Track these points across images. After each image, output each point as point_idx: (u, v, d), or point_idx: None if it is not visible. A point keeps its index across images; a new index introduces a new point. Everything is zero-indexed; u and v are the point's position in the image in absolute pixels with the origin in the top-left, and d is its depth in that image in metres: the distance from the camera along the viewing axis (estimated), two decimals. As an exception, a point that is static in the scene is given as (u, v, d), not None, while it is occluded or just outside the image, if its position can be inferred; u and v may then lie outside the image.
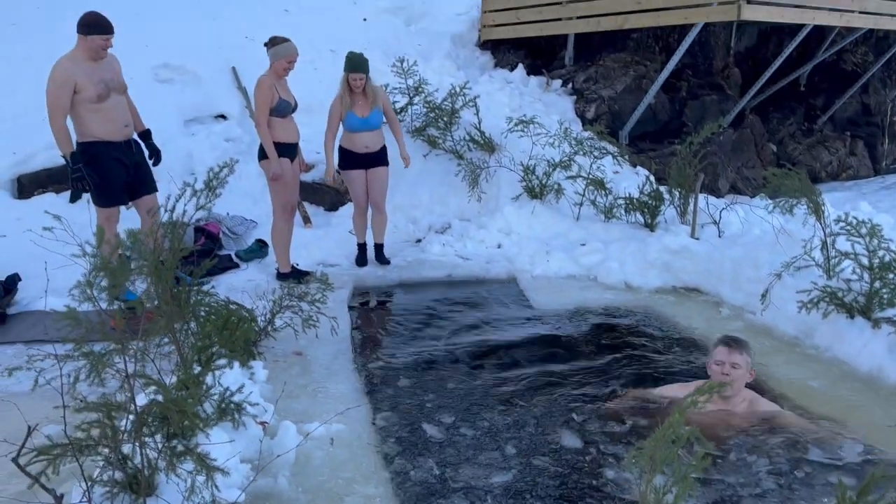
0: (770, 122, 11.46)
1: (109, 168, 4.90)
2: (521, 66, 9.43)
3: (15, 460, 1.69)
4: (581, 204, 6.59)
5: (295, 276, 5.59)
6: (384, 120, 6.11)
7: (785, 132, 11.62)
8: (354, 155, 5.97)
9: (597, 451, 3.16)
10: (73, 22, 8.70)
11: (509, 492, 2.86)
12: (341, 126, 5.98)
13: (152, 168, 5.31)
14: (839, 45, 10.93)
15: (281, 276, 5.73)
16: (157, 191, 5.24)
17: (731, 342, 3.45)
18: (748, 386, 3.47)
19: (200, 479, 2.45)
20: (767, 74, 9.78)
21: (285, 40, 5.46)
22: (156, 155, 5.35)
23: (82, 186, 4.84)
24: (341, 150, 6.00)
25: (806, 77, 11.89)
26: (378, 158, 6.03)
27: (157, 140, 5.46)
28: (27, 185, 6.92)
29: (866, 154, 12.12)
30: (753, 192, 8.81)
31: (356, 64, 5.71)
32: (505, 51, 9.93)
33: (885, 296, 4.16)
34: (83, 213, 6.67)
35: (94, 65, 4.81)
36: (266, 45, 5.51)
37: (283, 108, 5.43)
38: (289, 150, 5.56)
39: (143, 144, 5.25)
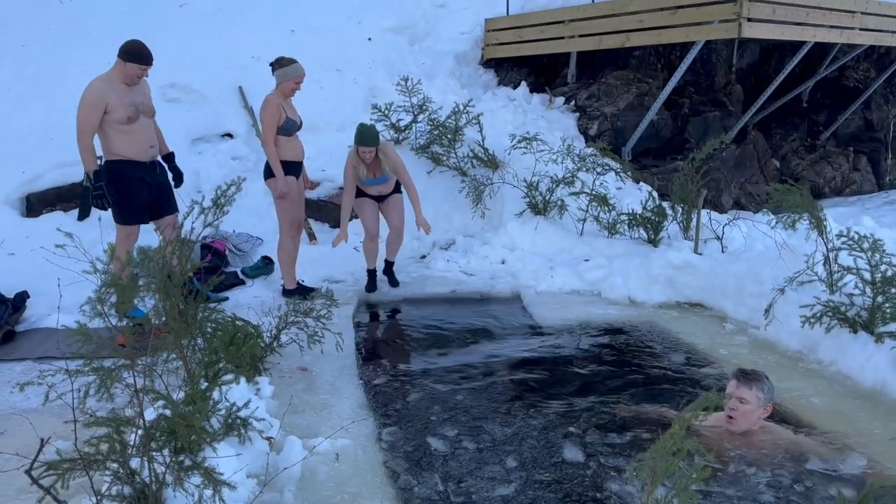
0: (773, 138, 11.51)
1: (133, 187, 5.06)
2: (523, 83, 9.52)
3: (28, 472, 1.72)
4: (584, 220, 6.63)
5: (300, 292, 5.64)
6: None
7: (788, 148, 11.66)
8: (368, 195, 6.02)
9: (597, 464, 3.18)
10: (81, 43, 8.85)
11: (512, 505, 2.88)
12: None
13: (174, 189, 5.49)
14: (841, 61, 11.00)
15: (287, 293, 5.77)
16: (178, 211, 5.40)
17: (742, 375, 3.29)
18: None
19: (208, 493, 2.47)
20: (769, 91, 9.85)
21: (293, 61, 5.54)
22: (178, 177, 5.52)
23: (102, 204, 5.01)
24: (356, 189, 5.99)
25: (808, 93, 11.96)
26: (391, 192, 6.05)
27: (164, 159, 5.56)
28: (36, 204, 7.01)
29: (870, 169, 12.16)
30: (757, 208, 8.84)
31: (365, 139, 5.62)
32: (508, 69, 10.02)
33: (888, 310, 4.18)
34: (92, 231, 6.77)
35: (127, 89, 5.01)
36: (272, 65, 5.59)
37: (290, 128, 5.51)
38: (294, 167, 5.63)
39: (166, 167, 5.43)
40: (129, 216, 5.14)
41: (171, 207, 5.39)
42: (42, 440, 1.80)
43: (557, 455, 3.28)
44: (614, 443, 3.38)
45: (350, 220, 5.99)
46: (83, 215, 6.89)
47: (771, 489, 2.93)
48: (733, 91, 10.65)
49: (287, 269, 5.80)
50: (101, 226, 6.82)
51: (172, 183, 5.46)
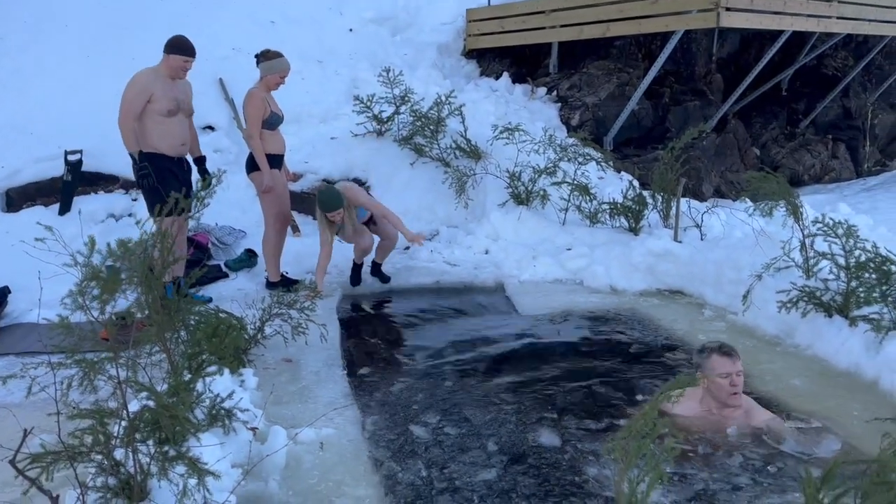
0: (753, 126, 11.61)
1: (165, 179, 5.13)
2: (506, 74, 9.54)
3: (12, 462, 1.74)
4: (566, 209, 6.68)
5: (284, 284, 5.65)
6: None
7: (768, 136, 11.78)
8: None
9: (574, 449, 3.24)
10: (58, 36, 8.76)
11: (494, 491, 2.93)
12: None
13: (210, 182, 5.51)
14: (819, 49, 11.11)
15: (270, 285, 5.79)
16: None
17: (730, 351, 3.34)
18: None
19: (192, 482, 2.50)
20: (749, 80, 9.94)
21: (279, 55, 5.55)
22: (204, 179, 5.46)
23: (148, 184, 5.11)
24: None
25: (787, 82, 12.06)
26: (380, 224, 5.88)
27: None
28: (16, 199, 6.96)
29: (848, 157, 12.30)
30: (737, 196, 8.93)
31: (330, 204, 5.34)
32: (490, 59, 10.03)
33: (862, 294, 4.26)
34: (73, 226, 6.74)
35: (172, 83, 5.21)
36: (258, 57, 5.59)
37: (274, 122, 5.52)
38: (278, 161, 5.64)
39: (195, 168, 5.57)
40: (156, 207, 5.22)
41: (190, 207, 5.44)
42: (25, 431, 1.81)
43: (535, 440, 3.34)
44: (590, 428, 3.44)
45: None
46: (64, 210, 6.88)
47: (745, 471, 3.00)
48: (713, 80, 10.73)
49: (271, 263, 5.81)
50: (82, 220, 6.81)
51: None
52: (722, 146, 10.23)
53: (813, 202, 7.99)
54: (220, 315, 3.95)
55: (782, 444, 3.16)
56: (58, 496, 1.79)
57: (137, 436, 2.58)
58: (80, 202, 6.97)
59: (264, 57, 5.53)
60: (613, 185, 7.17)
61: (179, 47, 5.19)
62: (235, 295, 5.63)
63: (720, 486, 2.88)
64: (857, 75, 12.12)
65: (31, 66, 8.03)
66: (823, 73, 12.14)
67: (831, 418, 3.50)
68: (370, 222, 5.86)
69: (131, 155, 5.10)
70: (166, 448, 2.65)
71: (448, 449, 3.31)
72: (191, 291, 5.23)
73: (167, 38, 5.29)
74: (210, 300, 5.56)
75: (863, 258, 4.27)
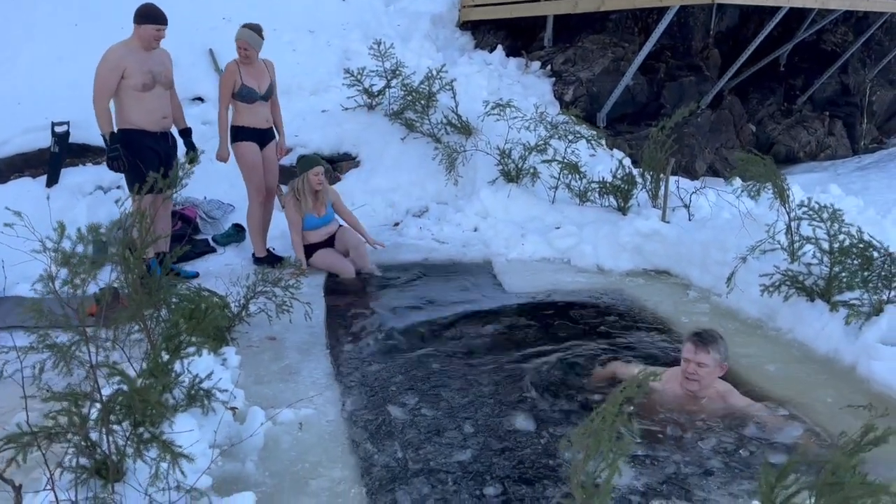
0: (750, 102, 11.55)
1: (144, 156, 5.03)
2: (500, 47, 9.44)
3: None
4: (556, 187, 6.65)
5: (269, 260, 5.66)
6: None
7: (764, 112, 11.71)
8: (317, 244, 5.87)
9: (549, 434, 3.27)
10: (45, 5, 8.64)
11: (469, 473, 2.97)
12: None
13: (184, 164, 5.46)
14: (819, 24, 11.00)
15: (257, 261, 5.79)
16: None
17: (699, 340, 3.33)
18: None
19: (164, 465, 2.52)
20: (745, 55, 9.85)
21: (244, 26, 5.52)
22: (192, 152, 5.42)
23: (118, 167, 5.01)
24: (305, 245, 5.82)
25: (786, 57, 11.97)
26: (339, 230, 5.96)
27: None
28: (4, 170, 6.89)
29: (845, 134, 12.25)
30: (729, 175, 8.91)
31: (312, 161, 5.64)
32: (485, 31, 9.91)
33: (844, 280, 4.27)
34: (62, 197, 6.72)
35: (146, 55, 5.01)
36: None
37: (247, 94, 5.48)
38: (256, 135, 5.61)
39: (181, 140, 5.48)
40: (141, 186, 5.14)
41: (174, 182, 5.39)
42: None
43: (511, 423, 3.38)
44: (565, 409, 3.49)
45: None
46: (52, 181, 6.84)
47: (717, 455, 3.04)
48: (710, 56, 10.64)
49: (255, 237, 5.82)
50: (73, 193, 6.78)
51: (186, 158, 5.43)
52: (717, 123, 10.18)
53: (805, 181, 7.99)
54: (202, 293, 3.95)
55: (744, 429, 3.19)
56: (20, 486, 1.80)
57: (112, 418, 2.60)
58: (67, 174, 6.92)
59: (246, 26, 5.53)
60: (606, 162, 7.13)
61: (149, 16, 4.98)
62: (222, 270, 5.64)
63: (692, 470, 2.92)
64: (856, 51, 12.02)
65: (19, 36, 7.92)
66: (822, 49, 12.03)
67: (804, 404, 3.53)
68: (336, 234, 5.92)
69: (103, 136, 4.97)
70: (141, 430, 2.68)
71: (424, 430, 3.34)
72: (176, 267, 5.25)
73: (158, 6, 5.16)
74: (196, 275, 5.56)
75: (847, 243, 4.27)
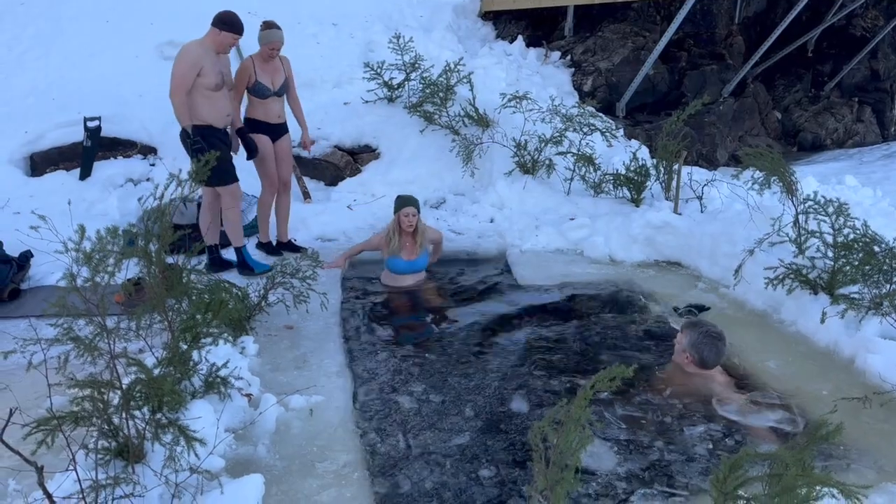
0: (776, 89, 11.44)
1: (219, 150, 5.23)
2: (520, 38, 9.50)
3: (1, 440, 1.96)
4: (571, 179, 6.74)
5: (267, 249, 5.99)
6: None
7: (791, 99, 11.60)
8: (398, 291, 5.45)
9: (540, 418, 3.43)
10: (73, 6, 8.89)
11: (466, 456, 3.13)
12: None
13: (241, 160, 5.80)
14: (848, 8, 10.83)
15: (259, 245, 6.13)
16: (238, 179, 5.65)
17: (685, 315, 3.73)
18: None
19: (179, 449, 2.73)
20: (770, 41, 9.77)
21: (270, 26, 5.70)
22: (249, 149, 5.75)
23: (200, 157, 5.21)
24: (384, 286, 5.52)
25: (814, 42, 11.81)
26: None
27: (162, 117, 5.68)
28: (39, 163, 7.22)
29: (874, 120, 12.07)
30: (739, 167, 8.88)
31: (407, 200, 5.32)
32: (506, 22, 9.98)
33: (848, 273, 4.32)
34: (93, 190, 6.99)
35: (217, 57, 5.30)
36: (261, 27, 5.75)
37: (261, 91, 5.66)
38: (268, 129, 5.79)
39: (240, 140, 5.72)
40: (228, 175, 5.47)
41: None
42: (11, 410, 2.03)
43: (508, 406, 3.56)
44: (557, 390, 3.63)
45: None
46: (85, 174, 7.14)
47: (703, 442, 3.16)
48: (734, 43, 10.56)
49: (262, 223, 6.06)
50: (105, 185, 7.04)
51: (246, 155, 5.76)
52: (740, 111, 10.12)
53: (825, 171, 7.96)
54: (221, 285, 4.15)
55: (722, 409, 3.40)
56: (42, 467, 2.01)
57: (132, 404, 2.81)
58: (99, 167, 7.21)
59: (261, 28, 5.69)
60: (622, 153, 7.20)
61: (232, 24, 5.26)
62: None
63: (675, 457, 3.05)
64: (886, 35, 11.81)
65: (50, 32, 8.22)
66: (851, 34, 11.85)
67: (800, 396, 3.62)
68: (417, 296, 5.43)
69: (184, 129, 5.25)
70: (159, 416, 2.89)
71: (428, 416, 3.51)
72: (257, 262, 5.61)
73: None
74: (271, 269, 5.76)
75: (851, 237, 4.32)
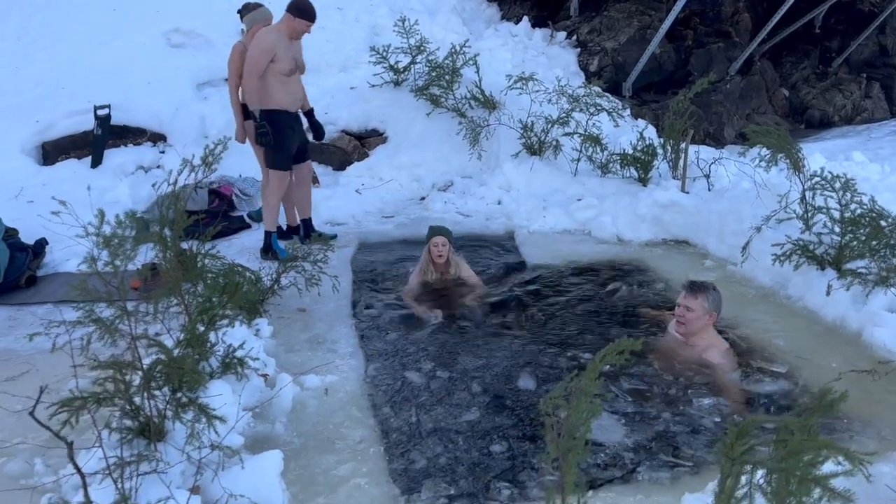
0: (783, 66, 11.39)
1: (285, 134, 5.52)
2: (525, 18, 9.48)
3: (31, 414, 2.03)
4: (578, 160, 6.77)
5: (277, 233, 6.00)
6: None
7: (798, 76, 11.55)
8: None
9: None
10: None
11: (477, 432, 3.21)
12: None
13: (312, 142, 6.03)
14: (855, -16, 10.76)
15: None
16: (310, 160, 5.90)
17: (689, 287, 3.76)
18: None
19: (200, 426, 2.81)
20: (777, 18, 9.72)
21: (259, 5, 5.74)
22: (317, 131, 5.99)
23: (266, 141, 5.45)
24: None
25: (821, 19, 11.73)
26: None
27: (171, 104, 5.75)
28: (51, 152, 7.29)
29: (882, 96, 12.01)
30: (746, 145, 8.88)
31: (437, 230, 5.06)
32: (511, 2, 9.97)
33: (855, 248, 4.35)
34: (105, 178, 7.06)
35: (290, 43, 5.43)
36: (239, 12, 5.78)
37: None
38: None
39: (307, 121, 5.88)
40: (281, 161, 5.59)
41: (307, 156, 5.90)
42: (41, 388, 2.10)
43: (514, 383, 3.65)
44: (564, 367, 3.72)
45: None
46: (96, 162, 7.21)
47: (709, 415, 3.22)
48: (740, 20, 10.51)
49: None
50: (116, 173, 7.11)
51: (311, 136, 5.95)
52: (747, 88, 10.09)
53: (833, 147, 7.95)
54: (236, 268, 4.23)
55: (726, 376, 3.53)
56: (72, 443, 2.08)
57: (153, 384, 2.89)
58: (110, 155, 7.28)
59: (245, 10, 5.72)
60: (629, 133, 7.21)
61: (305, 12, 5.38)
62: (257, 246, 5.91)
63: (681, 429, 3.12)
64: (895, 10, 11.71)
65: (58, 21, 8.25)
66: (859, 10, 11.77)
67: (808, 368, 3.67)
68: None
69: (252, 112, 5.41)
70: (179, 395, 2.97)
71: (437, 393, 3.59)
72: (282, 249, 5.75)
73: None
74: (335, 237, 5.94)
75: (858, 212, 4.35)
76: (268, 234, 5.72)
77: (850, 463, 1.80)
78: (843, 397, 1.92)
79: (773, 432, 2.04)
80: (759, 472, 1.80)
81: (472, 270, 5.13)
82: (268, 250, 5.67)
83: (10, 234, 5.63)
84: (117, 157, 7.25)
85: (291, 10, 5.35)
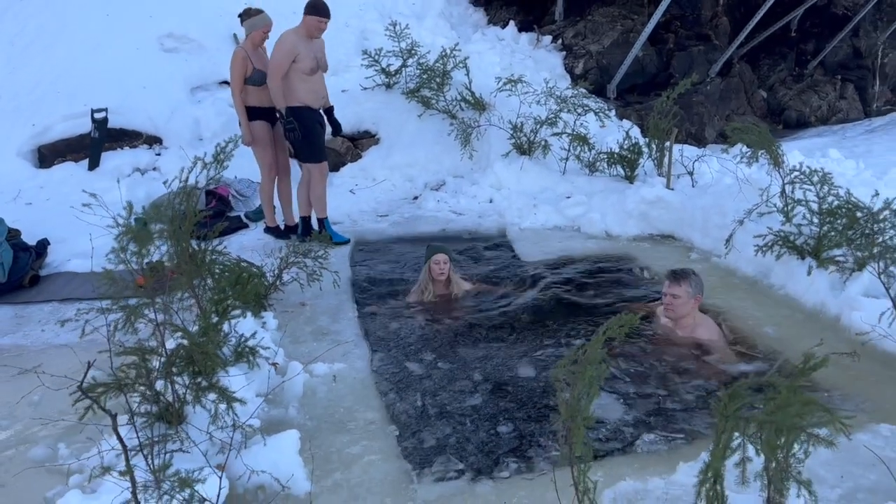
0: (761, 68, 11.70)
1: (314, 129, 5.80)
2: (512, 22, 9.70)
3: (80, 387, 2.17)
4: (567, 159, 6.98)
5: (275, 233, 6.18)
6: None
7: (776, 78, 11.86)
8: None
9: (546, 379, 3.69)
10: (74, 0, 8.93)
11: (482, 415, 3.38)
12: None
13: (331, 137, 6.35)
14: (829, -12, 11.08)
15: (267, 230, 6.32)
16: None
17: (672, 276, 4.01)
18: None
19: (222, 407, 2.96)
20: (754, 21, 10.00)
21: (259, 11, 5.89)
22: (336, 128, 6.24)
23: (294, 137, 5.74)
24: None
25: (797, 22, 12.06)
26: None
27: (166, 107, 5.86)
28: (48, 155, 7.38)
29: (857, 97, 12.36)
30: (727, 142, 9.14)
31: (437, 248, 5.03)
32: (497, 7, 10.17)
33: (833, 238, 4.58)
34: (103, 180, 7.16)
35: (310, 42, 5.71)
36: (240, 16, 5.92)
37: (259, 79, 5.82)
38: (266, 113, 5.93)
39: (325, 118, 6.08)
40: (316, 154, 5.89)
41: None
42: (88, 363, 2.24)
43: (514, 371, 3.83)
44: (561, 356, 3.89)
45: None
46: (93, 165, 7.31)
47: (705, 394, 3.42)
48: (719, 24, 10.80)
49: (267, 209, 6.25)
50: (113, 175, 7.21)
51: (330, 132, 6.20)
52: (727, 90, 10.38)
53: (810, 146, 8.23)
54: (242, 264, 4.38)
55: (709, 357, 3.76)
56: (116, 415, 2.22)
57: (174, 369, 3.03)
58: (107, 158, 7.38)
59: (246, 15, 5.87)
60: (615, 133, 7.44)
61: (318, 9, 5.63)
62: (256, 244, 6.06)
63: (677, 406, 3.32)
64: (867, 13, 12.07)
65: (54, 25, 8.34)
66: (833, 13, 12.11)
67: (790, 352, 3.88)
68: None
69: (279, 111, 5.68)
70: (199, 379, 3.12)
71: (440, 380, 3.76)
72: (337, 233, 6.08)
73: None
74: (348, 241, 6.14)
75: (835, 204, 4.57)
76: (320, 220, 6.06)
77: (831, 426, 2.00)
78: (825, 362, 2.12)
79: (761, 394, 2.23)
80: (751, 427, 1.99)
81: (468, 283, 5.15)
82: (307, 233, 5.90)
83: (13, 235, 5.73)
84: (114, 159, 7.36)
85: (306, 8, 5.64)
